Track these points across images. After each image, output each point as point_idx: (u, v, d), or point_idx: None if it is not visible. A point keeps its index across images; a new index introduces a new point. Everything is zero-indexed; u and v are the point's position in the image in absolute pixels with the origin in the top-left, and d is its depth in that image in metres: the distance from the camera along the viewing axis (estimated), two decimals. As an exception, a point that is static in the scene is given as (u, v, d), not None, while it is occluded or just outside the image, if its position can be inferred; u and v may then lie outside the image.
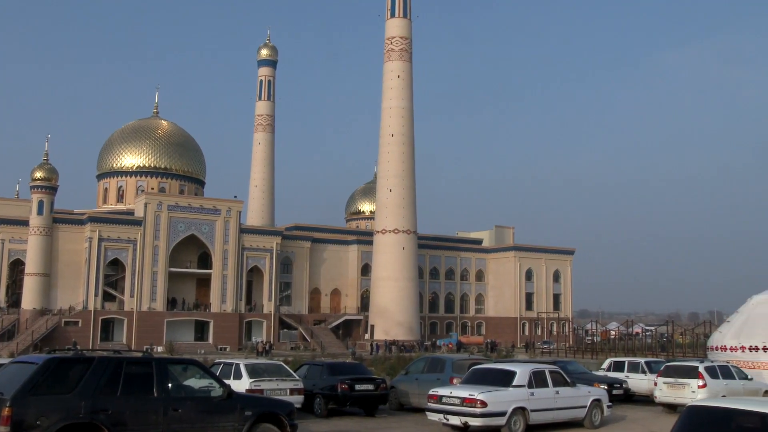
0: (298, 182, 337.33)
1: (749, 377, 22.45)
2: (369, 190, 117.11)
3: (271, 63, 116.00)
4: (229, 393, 12.50)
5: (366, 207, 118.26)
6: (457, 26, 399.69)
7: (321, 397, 20.76)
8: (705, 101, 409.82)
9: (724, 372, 21.97)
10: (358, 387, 20.77)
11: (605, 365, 28.77)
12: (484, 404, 16.19)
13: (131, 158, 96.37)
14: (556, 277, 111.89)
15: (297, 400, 19.11)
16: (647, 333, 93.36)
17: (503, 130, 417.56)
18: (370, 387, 21.12)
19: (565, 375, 18.79)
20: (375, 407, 21.50)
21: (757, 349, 23.50)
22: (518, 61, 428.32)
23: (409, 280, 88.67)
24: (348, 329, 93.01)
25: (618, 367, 27.51)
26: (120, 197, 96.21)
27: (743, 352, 23.78)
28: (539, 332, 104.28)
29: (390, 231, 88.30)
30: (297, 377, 20.73)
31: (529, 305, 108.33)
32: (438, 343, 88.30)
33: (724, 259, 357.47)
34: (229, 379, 18.68)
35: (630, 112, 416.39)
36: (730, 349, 24.19)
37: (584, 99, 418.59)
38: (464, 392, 16.64)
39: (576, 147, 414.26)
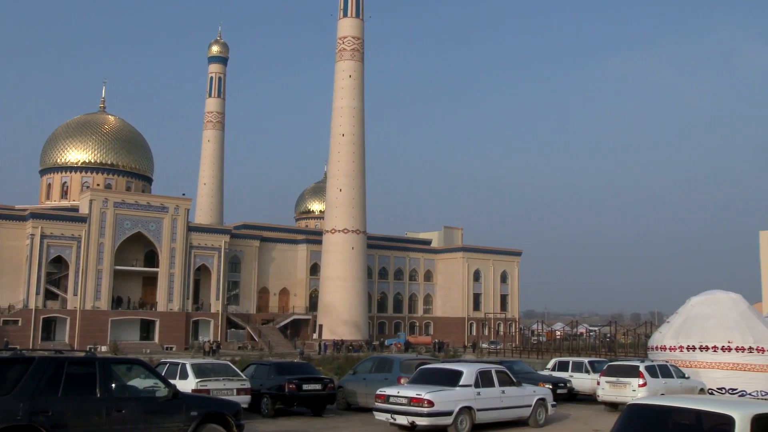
0: (248, 181, 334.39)
1: (686, 376, 23.09)
2: (319, 190, 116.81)
3: (222, 60, 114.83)
4: (175, 393, 12.35)
5: (316, 206, 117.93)
6: (410, 28, 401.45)
7: (268, 397, 20.64)
8: (651, 106, 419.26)
9: (663, 371, 22.57)
10: (305, 387, 20.72)
11: (550, 365, 29.24)
12: (431, 404, 16.31)
13: (76, 153, 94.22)
14: (504, 278, 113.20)
15: (244, 400, 18.98)
16: (591, 333, 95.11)
17: (454, 132, 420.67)
18: (318, 387, 21.09)
19: (511, 375, 19.06)
20: (322, 407, 21.47)
21: (694, 348, 24.18)
22: (470, 63, 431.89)
23: (358, 280, 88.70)
24: (296, 329, 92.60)
25: (562, 366, 27.99)
26: (64, 193, 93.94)
27: (681, 351, 24.43)
28: (486, 332, 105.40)
29: (339, 231, 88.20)
30: (244, 377, 20.56)
31: (476, 305, 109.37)
32: (386, 342, 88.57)
33: (666, 262, 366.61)
34: (175, 379, 18.44)
35: (579, 116, 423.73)
36: (669, 348, 24.83)
37: (534, 102, 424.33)
38: (411, 392, 16.75)
39: (524, 149, 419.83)
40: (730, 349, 23.45)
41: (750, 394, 22.51)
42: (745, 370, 23.16)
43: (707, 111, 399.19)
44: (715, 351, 23.67)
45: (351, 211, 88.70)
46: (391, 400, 17.07)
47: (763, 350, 23.28)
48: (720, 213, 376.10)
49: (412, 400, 16.53)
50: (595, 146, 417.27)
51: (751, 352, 23.25)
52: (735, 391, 22.93)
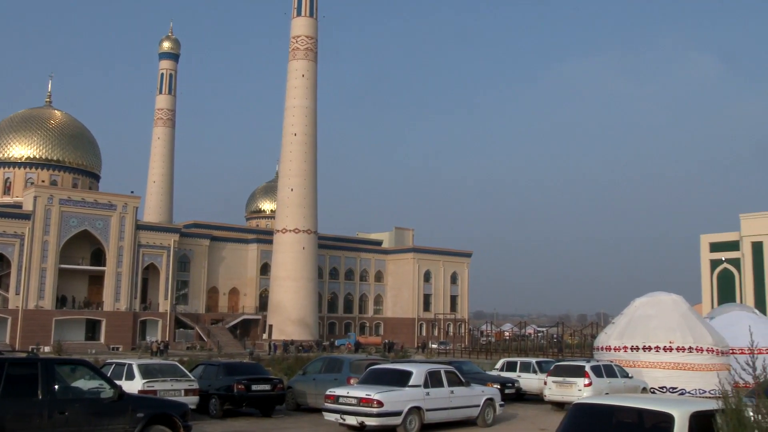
0: (199, 179, 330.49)
1: (630, 375, 23.60)
2: (270, 189, 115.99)
3: (173, 56, 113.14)
4: (120, 394, 12.17)
5: (267, 206, 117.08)
6: (365, 28, 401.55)
7: (216, 398, 20.45)
8: (599, 111, 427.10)
9: (608, 371, 23.03)
10: (254, 387, 20.58)
11: (498, 365, 29.56)
12: (380, 404, 16.35)
13: (20, 149, 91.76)
14: (454, 278, 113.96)
15: (192, 400, 18.78)
16: (539, 334, 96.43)
17: (406, 133, 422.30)
18: (267, 387, 20.96)
19: (459, 375, 19.21)
20: (272, 408, 21.35)
21: (637, 348, 24.72)
22: (423, 65, 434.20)
23: (309, 280, 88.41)
24: (246, 329, 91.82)
25: (511, 367, 28.33)
26: (7, 189, 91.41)
27: (625, 351, 24.95)
28: (436, 333, 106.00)
29: (290, 230, 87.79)
30: (192, 377, 20.34)
31: (426, 306, 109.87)
32: (336, 343, 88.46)
33: (612, 264, 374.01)
34: (121, 380, 18.12)
35: (530, 119, 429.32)
36: (614, 349, 25.34)
37: (486, 104, 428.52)
38: (361, 392, 16.77)
39: (476, 151, 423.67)
40: (671, 349, 24.04)
41: (689, 393, 23.11)
42: (685, 370, 23.76)
43: (653, 116, 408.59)
44: (657, 351, 24.24)
45: (302, 210, 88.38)
46: (341, 400, 17.07)
47: (701, 350, 23.93)
48: (665, 217, 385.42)
49: (361, 401, 16.55)
50: (546, 149, 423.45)
51: (690, 351, 23.88)
52: (675, 390, 23.51)
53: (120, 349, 76.20)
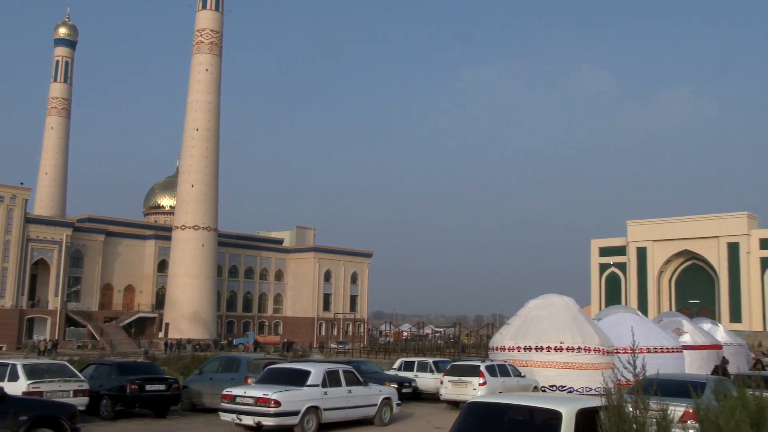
0: (95, 172, 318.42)
1: (523, 375, 24.37)
2: (170, 185, 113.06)
3: (70, 43, 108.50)
4: (2, 396, 11.63)
5: (166, 201, 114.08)
6: (272, 25, 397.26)
7: (108, 399, 19.80)
8: (500, 115, 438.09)
9: (502, 370, 23.70)
10: (148, 387, 20.05)
11: (396, 365, 29.89)
12: (278, 404, 16.27)
13: None
14: (354, 278, 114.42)
15: (81, 402, 18.11)
16: (437, 334, 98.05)
17: (311, 132, 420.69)
18: (162, 387, 20.46)
19: (357, 374, 19.32)
20: (166, 408, 20.86)
21: (530, 348, 25.55)
22: (329, 64, 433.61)
23: (208, 278, 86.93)
24: (141, 327, 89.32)
25: (408, 366, 28.70)
26: None
27: (519, 351, 25.74)
28: (335, 332, 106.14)
29: (190, 227, 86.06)
30: (82, 378, 19.60)
31: (326, 306, 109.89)
32: (234, 342, 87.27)
33: (508, 267, 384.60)
34: (4, 381, 17.31)
35: (432, 122, 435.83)
36: (508, 349, 26.10)
37: (390, 105, 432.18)
38: (258, 392, 16.62)
39: (378, 152, 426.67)
40: (561, 349, 24.97)
41: (577, 390, 24.07)
42: (573, 369, 24.74)
43: (549, 124, 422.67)
44: (548, 351, 25.13)
45: (203, 207, 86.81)
46: (238, 400, 16.87)
47: (589, 350, 24.98)
48: (559, 222, 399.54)
49: (258, 400, 16.41)
50: (447, 153, 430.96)
51: (579, 351, 24.88)
52: (564, 388, 24.44)
53: (4, 349, 72.55)
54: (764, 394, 8.04)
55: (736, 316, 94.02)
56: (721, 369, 26.14)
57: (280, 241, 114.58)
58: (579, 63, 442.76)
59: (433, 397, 26.48)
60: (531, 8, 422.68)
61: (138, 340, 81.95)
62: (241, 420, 16.71)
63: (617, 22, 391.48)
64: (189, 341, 77.49)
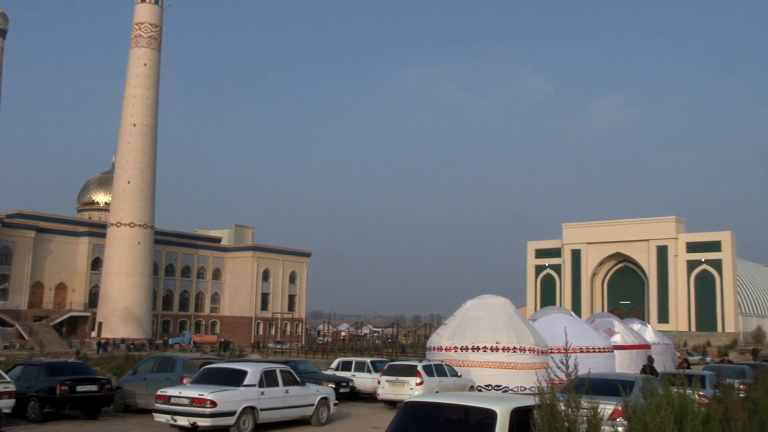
0: (26, 167, 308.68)
1: (459, 374, 24.67)
2: (105, 180, 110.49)
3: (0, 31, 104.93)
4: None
5: (101, 198, 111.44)
6: (214, 21, 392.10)
7: (36, 400, 19.23)
8: (436, 118, 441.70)
9: (439, 370, 23.94)
10: (79, 388, 19.56)
11: (334, 365, 29.90)
12: (213, 404, 16.10)
13: None
14: (292, 278, 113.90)
15: (7, 404, 17.58)
16: (375, 334, 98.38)
17: (251, 130, 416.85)
18: (94, 388, 19.99)
19: (295, 374, 19.27)
20: (98, 409, 20.39)
21: (467, 348, 25.88)
22: (271, 62, 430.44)
23: (143, 276, 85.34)
24: (73, 327, 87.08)
25: (346, 366, 28.73)
26: None
27: (456, 351, 26.05)
28: (273, 332, 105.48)
29: (126, 224, 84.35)
30: (8, 379, 18.98)
31: (264, 305, 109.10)
32: (170, 341, 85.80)
33: (446, 267, 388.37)
34: None
35: (372, 123, 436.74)
36: (445, 349, 26.37)
37: (329, 105, 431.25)
38: (194, 392, 16.42)
39: (317, 152, 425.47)
40: (497, 349, 25.37)
41: (512, 390, 24.49)
42: (509, 368, 25.16)
43: (487, 126, 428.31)
44: (485, 351, 25.49)
45: (139, 204, 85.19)
46: (173, 400, 16.62)
47: (524, 350, 25.45)
48: (497, 224, 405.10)
49: (194, 401, 16.21)
50: (386, 154, 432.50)
51: (514, 351, 25.32)
52: (500, 387, 24.84)
53: (-77, 349, 69.84)
54: (688, 391, 8.37)
55: (663, 316, 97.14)
56: (648, 368, 26.93)
57: (218, 240, 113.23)
58: (518, 68, 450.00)
59: (370, 397, 26.57)
60: (470, 12, 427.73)
61: (69, 340, 79.86)
62: (175, 421, 16.47)
63: (556, 29, 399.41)
64: (123, 341, 75.95)
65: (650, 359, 28.43)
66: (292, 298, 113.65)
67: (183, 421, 16.33)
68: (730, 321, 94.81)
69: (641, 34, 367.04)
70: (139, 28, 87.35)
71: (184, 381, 19.29)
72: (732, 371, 22.24)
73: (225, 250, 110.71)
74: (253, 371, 17.59)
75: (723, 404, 9.39)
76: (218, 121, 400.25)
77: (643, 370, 26.95)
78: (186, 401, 16.34)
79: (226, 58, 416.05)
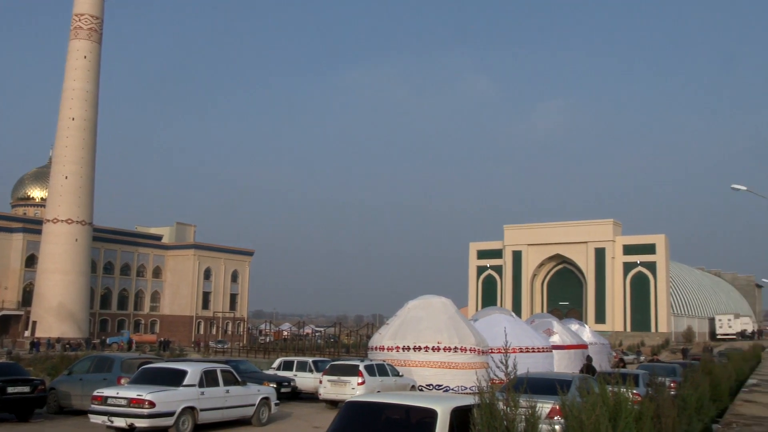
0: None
1: (400, 374, 24.81)
2: (42, 175, 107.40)
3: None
4: None
5: (37, 193, 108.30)
6: (157, 18, 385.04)
7: (-37, 402, 18.61)
8: (383, 116, 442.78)
9: (381, 369, 24.03)
10: (10, 389, 18.98)
11: (276, 364, 29.73)
12: (152, 404, 15.85)
13: None
14: (234, 277, 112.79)
15: (-66, 406, 16.97)
16: (317, 333, 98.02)
17: (193, 127, 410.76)
18: (26, 389, 19.43)
19: (236, 374, 19.10)
20: (30, 411, 19.83)
21: (408, 348, 26.06)
22: (215, 59, 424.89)
23: (81, 274, 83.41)
24: (5, 326, 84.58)
25: (287, 366, 28.61)
26: None
27: (398, 351, 26.19)
28: (215, 331, 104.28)
29: (63, 221, 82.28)
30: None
31: (205, 304, 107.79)
32: (108, 341, 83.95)
33: (389, 267, 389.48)
34: None
35: (315, 121, 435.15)
36: (387, 348, 26.49)
37: (274, 103, 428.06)
38: (132, 392, 16.13)
39: (261, 151, 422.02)
40: (438, 349, 25.61)
41: (453, 389, 24.75)
42: (450, 368, 25.43)
43: (431, 127, 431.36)
44: (426, 351, 25.70)
45: (77, 200, 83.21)
46: (109, 401, 16.29)
47: (465, 350, 25.75)
48: (440, 225, 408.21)
49: (132, 401, 15.92)
50: (329, 154, 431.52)
51: (455, 351, 25.60)
52: (441, 387, 25.08)
53: None
54: (622, 390, 8.61)
55: (600, 317, 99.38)
56: (586, 367, 27.53)
57: (159, 238, 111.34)
58: (465, 71, 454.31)
59: (312, 397, 26.50)
60: (417, 16, 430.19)
61: (1, 340, 77.50)
62: (112, 422, 16.14)
63: (503, 33, 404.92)
64: (58, 340, 74.10)
65: (589, 359, 29.11)
66: (234, 297, 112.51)
67: (120, 423, 16.02)
68: (663, 321, 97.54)
69: (581, 42, 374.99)
70: (79, 20, 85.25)
71: (122, 381, 18.94)
72: (663, 370, 22.94)
73: (166, 248, 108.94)
74: (193, 371, 17.37)
75: (654, 402, 9.68)
76: (161, 117, 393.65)
77: (582, 370, 27.53)
78: (123, 402, 16.04)
79: (171, 54, 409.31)
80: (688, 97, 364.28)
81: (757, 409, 17.49)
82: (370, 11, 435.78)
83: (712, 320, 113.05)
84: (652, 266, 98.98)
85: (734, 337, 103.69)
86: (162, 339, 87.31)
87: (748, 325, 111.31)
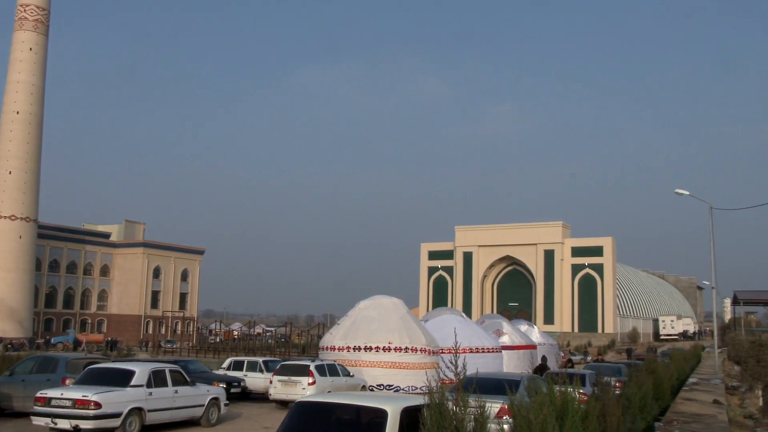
0: None
1: (351, 374, 24.83)
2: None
3: None
4: None
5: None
6: (105, 12, 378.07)
7: None
8: (334, 117, 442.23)
9: (331, 369, 24.02)
10: (-54, 392, 18.47)
11: (226, 364, 29.47)
12: (98, 405, 15.56)
13: None
14: (184, 276, 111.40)
15: None
16: (268, 333, 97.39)
17: (143, 124, 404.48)
18: (-36, 391, 18.93)
19: (185, 374, 18.89)
20: (-31, 413, 19.32)
21: (359, 348, 26.10)
22: (167, 56, 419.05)
23: (25, 272, 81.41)
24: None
25: (237, 366, 28.38)
26: None
27: (349, 351, 26.21)
28: (164, 331, 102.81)
29: (6, 217, 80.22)
30: None
31: (155, 303, 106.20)
32: (53, 341, 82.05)
33: (340, 268, 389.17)
34: None
35: (266, 121, 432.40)
36: (338, 348, 26.49)
37: (225, 100, 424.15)
38: (77, 393, 15.81)
39: (211, 148, 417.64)
40: (389, 349, 25.71)
41: (403, 389, 24.88)
42: (401, 368, 25.55)
43: (382, 129, 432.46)
44: (377, 351, 25.78)
45: (21, 196, 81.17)
46: (53, 402, 15.93)
47: (416, 350, 25.90)
48: (392, 225, 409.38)
49: (77, 402, 15.60)
50: (282, 153, 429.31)
51: (406, 351, 25.73)
52: (391, 387, 25.19)
53: None
54: (569, 389, 8.77)
55: (549, 318, 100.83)
56: (540, 367, 27.90)
57: (107, 235, 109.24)
58: (417, 73, 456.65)
59: (262, 397, 26.35)
60: (369, 17, 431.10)
61: (-61, 339, 75.11)
62: (56, 424, 15.79)
63: (455, 36, 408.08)
64: (1, 340, 72.14)
65: (543, 359, 29.51)
66: (183, 297, 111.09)
67: (64, 424, 15.68)
68: (609, 322, 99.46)
69: (532, 47, 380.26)
70: (25, 10, 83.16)
71: (67, 382, 18.57)
72: (609, 370, 23.42)
73: (114, 246, 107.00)
74: (140, 371, 17.13)
75: (600, 401, 9.88)
76: (110, 112, 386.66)
77: (536, 370, 27.93)
78: (68, 403, 15.72)
79: (120, 50, 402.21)
80: (633, 103, 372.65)
81: (697, 407, 18.01)
82: (321, 13, 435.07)
83: (656, 321, 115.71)
84: (599, 268, 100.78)
85: (677, 337, 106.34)
86: (109, 339, 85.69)
87: (689, 325, 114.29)
